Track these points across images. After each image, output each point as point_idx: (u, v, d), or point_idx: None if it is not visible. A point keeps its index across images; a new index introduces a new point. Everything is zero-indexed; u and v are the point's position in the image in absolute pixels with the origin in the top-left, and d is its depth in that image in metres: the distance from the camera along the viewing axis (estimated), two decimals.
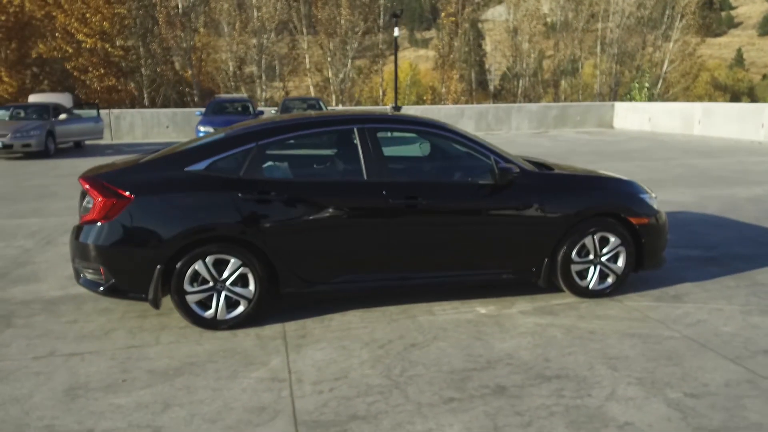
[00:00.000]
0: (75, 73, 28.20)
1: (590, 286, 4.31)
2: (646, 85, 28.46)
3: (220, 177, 3.76)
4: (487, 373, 3.20)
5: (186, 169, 3.76)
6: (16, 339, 3.74)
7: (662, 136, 19.36)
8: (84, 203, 3.81)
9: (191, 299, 3.72)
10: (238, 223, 3.69)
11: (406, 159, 4.37)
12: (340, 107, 29.82)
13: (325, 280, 3.93)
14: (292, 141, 4.05)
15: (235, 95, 20.02)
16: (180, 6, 30.20)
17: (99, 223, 3.64)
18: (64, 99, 18.13)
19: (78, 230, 3.76)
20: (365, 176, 3.91)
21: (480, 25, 54.03)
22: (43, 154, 14.02)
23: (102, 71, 27.97)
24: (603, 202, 4.26)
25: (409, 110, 22.96)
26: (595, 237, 4.23)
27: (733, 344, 3.54)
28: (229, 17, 31.06)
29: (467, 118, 23.35)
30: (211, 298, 3.75)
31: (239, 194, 3.70)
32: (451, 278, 4.16)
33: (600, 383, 3.07)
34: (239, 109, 16.42)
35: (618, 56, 39.81)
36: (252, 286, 3.78)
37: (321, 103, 17.56)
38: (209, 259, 3.69)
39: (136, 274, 3.65)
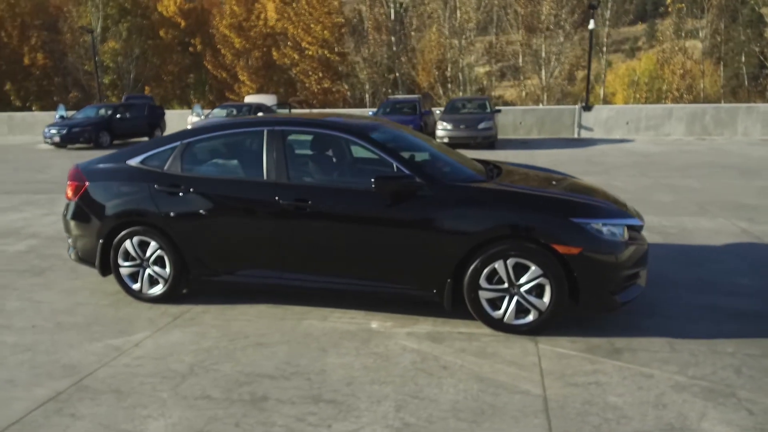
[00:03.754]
0: (301, 77, 32.80)
1: (505, 318, 3.72)
2: None
3: (147, 170, 4.33)
4: (274, 383, 3.13)
5: (127, 161, 4.44)
6: (25, 285, 4.90)
7: None
8: None
9: (124, 272, 4.39)
10: (153, 211, 4.22)
11: (313, 162, 4.34)
12: (541, 107, 28.50)
13: (229, 272, 4.21)
14: (213, 141, 4.40)
15: (407, 96, 20.86)
16: (393, 12, 32.56)
17: (70, 202, 4.56)
18: (269, 99, 21.30)
19: (65, 208, 4.74)
20: (265, 176, 4.07)
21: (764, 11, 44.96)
22: None
23: (320, 75, 31.95)
24: (515, 223, 3.61)
25: (602, 110, 20.83)
26: (508, 263, 3.63)
27: (588, 419, 2.75)
28: (432, 21, 32.18)
29: (676, 120, 20.14)
30: (138, 273, 4.38)
31: (156, 186, 4.23)
32: (350, 287, 4.03)
33: (359, 418, 2.77)
34: (406, 109, 17.16)
35: None
36: (168, 268, 4.28)
37: (488, 102, 17.21)
38: (135, 240, 4.31)
39: (87, 245, 4.48)
